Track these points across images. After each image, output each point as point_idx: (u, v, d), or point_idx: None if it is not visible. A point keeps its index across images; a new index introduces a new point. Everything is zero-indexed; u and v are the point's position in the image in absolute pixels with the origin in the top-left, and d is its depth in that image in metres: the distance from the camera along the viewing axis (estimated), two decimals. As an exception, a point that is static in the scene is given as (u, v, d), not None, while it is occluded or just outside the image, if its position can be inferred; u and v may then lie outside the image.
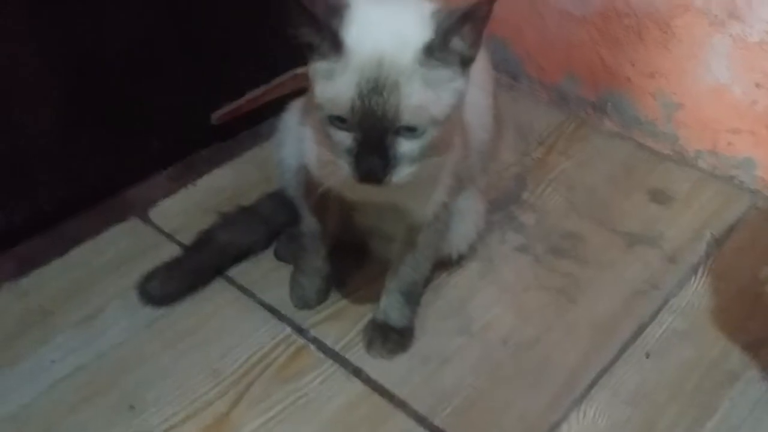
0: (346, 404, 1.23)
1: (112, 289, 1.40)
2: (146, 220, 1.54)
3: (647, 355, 1.29)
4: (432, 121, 1.01)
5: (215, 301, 1.37)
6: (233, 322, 1.34)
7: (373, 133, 0.99)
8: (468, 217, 1.33)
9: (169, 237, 1.49)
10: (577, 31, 1.72)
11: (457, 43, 0.99)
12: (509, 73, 1.88)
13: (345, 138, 1.01)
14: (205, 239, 1.42)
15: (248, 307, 1.37)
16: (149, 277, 1.38)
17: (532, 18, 1.79)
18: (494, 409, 1.22)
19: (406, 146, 1.01)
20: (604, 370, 1.27)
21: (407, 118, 0.99)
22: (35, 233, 1.48)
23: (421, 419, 1.21)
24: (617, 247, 1.49)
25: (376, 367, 1.28)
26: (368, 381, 1.26)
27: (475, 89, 1.17)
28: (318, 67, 1.01)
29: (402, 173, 1.02)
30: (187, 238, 1.46)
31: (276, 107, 1.47)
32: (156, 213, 1.55)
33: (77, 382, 1.25)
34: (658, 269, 1.44)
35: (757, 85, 1.53)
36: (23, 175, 1.44)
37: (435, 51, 0.98)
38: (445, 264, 1.41)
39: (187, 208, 1.56)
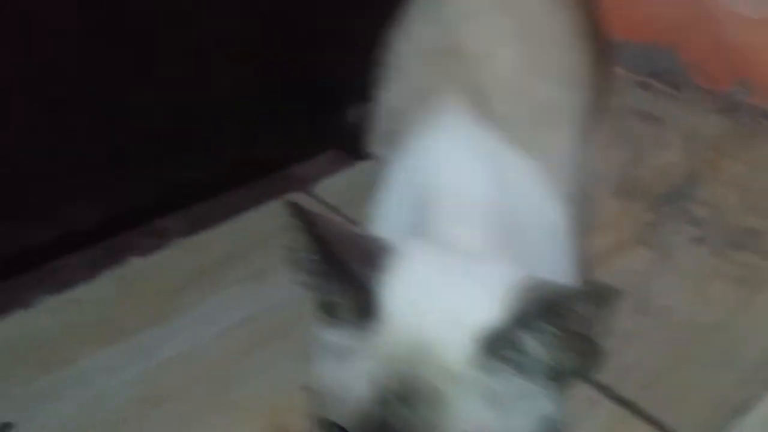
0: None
1: (277, 253, 1.39)
2: (310, 193, 1.55)
3: None
4: None
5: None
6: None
7: None
8: None
9: (334, 209, 1.49)
10: (752, 36, 1.67)
11: (533, 346, 0.61)
12: (671, 83, 1.84)
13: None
14: None
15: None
16: None
17: (700, 23, 1.75)
18: (681, 385, 1.16)
19: None
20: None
21: None
22: (205, 198, 1.51)
23: (604, 389, 1.15)
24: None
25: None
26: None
27: None
28: (328, 337, 0.66)
29: None
30: (352, 211, 1.46)
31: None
32: (320, 188, 1.56)
33: (250, 328, 1.25)
34: None
35: None
36: (199, 138, 1.47)
37: (499, 349, 0.61)
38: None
39: (350, 186, 1.57)
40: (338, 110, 1.58)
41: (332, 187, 1.57)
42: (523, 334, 0.60)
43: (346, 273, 0.63)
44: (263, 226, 1.46)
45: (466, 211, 0.74)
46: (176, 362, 1.19)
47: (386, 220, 0.82)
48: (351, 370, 0.63)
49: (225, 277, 1.35)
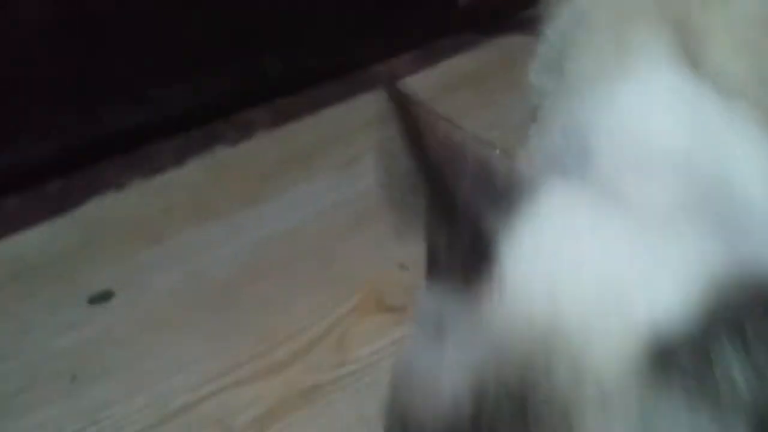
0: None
1: (366, 143, 1.37)
2: (395, 90, 1.52)
3: None
4: None
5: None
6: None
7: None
8: None
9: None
10: None
11: (735, 369, 0.40)
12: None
13: None
14: None
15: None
16: None
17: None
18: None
19: None
20: None
21: None
22: (290, 92, 1.49)
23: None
24: None
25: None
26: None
27: None
28: (425, 301, 0.48)
29: None
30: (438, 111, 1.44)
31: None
32: (404, 85, 1.53)
33: (344, 211, 1.23)
34: None
35: None
36: (284, 31, 1.45)
37: (679, 364, 0.40)
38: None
39: (430, 85, 1.53)
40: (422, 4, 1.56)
41: (417, 85, 1.54)
42: (720, 346, 0.39)
43: (455, 203, 0.44)
44: (349, 120, 1.44)
45: (651, 159, 0.50)
46: (272, 241, 1.18)
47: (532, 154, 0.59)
48: (448, 352, 0.44)
49: (313, 165, 1.33)
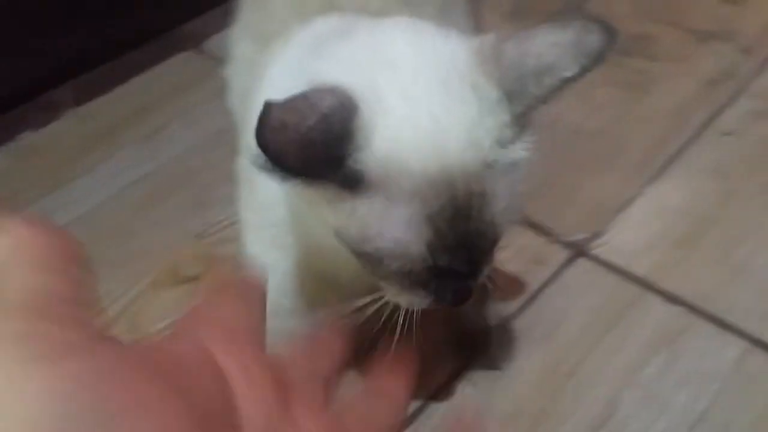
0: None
1: (173, 110, 1.39)
2: (201, 51, 1.53)
3: (725, 135, 1.24)
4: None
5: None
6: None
7: (464, 261, 0.64)
8: None
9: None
10: None
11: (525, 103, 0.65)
12: None
13: (411, 272, 0.65)
14: None
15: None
16: None
17: None
18: (567, 189, 1.19)
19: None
20: (681, 149, 1.23)
21: (501, 226, 0.65)
22: (94, 66, 1.48)
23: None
24: (689, 43, 1.43)
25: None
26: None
27: None
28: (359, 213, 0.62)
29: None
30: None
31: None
32: (210, 44, 1.54)
33: (146, 185, 1.25)
34: (733, 61, 1.38)
35: None
36: (84, 4, 1.44)
37: (511, 130, 0.64)
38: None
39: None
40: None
41: (223, 42, 1.54)
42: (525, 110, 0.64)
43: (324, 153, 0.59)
44: (155, 87, 1.45)
45: None
46: (78, 223, 1.19)
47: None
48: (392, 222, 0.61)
49: (120, 140, 1.34)
